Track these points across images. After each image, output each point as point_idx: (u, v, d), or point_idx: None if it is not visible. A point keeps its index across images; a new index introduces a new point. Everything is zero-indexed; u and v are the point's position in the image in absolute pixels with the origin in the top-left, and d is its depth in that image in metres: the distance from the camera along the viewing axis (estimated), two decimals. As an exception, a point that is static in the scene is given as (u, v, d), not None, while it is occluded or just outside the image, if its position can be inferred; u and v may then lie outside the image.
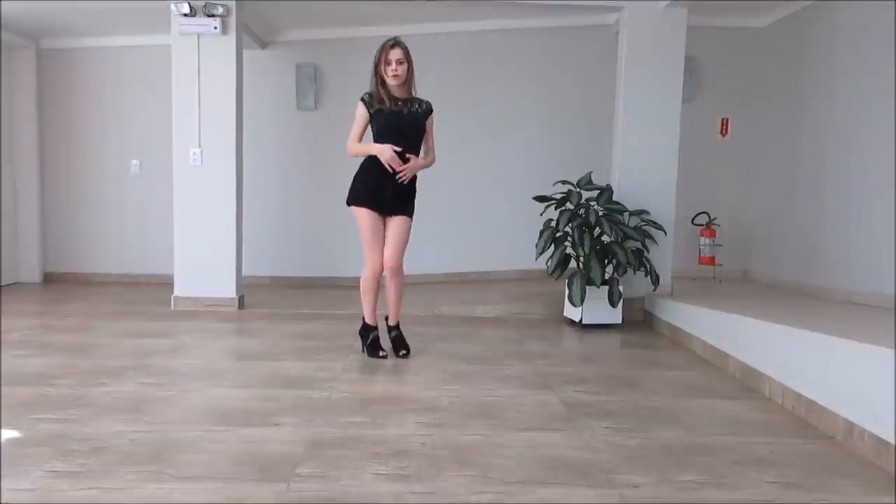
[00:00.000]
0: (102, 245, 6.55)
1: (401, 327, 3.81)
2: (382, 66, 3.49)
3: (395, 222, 3.62)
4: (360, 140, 3.63)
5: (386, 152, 3.48)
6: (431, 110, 3.66)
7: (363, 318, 3.78)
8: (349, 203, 3.64)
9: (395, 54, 3.47)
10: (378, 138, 3.57)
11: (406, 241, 3.66)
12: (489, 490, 2.08)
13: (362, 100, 3.59)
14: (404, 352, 3.74)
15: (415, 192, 3.68)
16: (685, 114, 5.01)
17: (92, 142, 6.49)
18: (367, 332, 3.78)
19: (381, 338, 3.77)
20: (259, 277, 6.19)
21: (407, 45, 3.54)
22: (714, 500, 2.05)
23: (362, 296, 3.73)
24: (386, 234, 3.63)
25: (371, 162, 3.58)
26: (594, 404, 2.96)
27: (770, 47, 6.04)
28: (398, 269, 3.64)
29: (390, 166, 3.49)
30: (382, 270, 3.66)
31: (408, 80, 3.56)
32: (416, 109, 3.59)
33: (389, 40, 3.51)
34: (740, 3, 5.72)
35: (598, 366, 3.69)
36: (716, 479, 2.20)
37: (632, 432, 2.61)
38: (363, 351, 3.77)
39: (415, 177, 3.64)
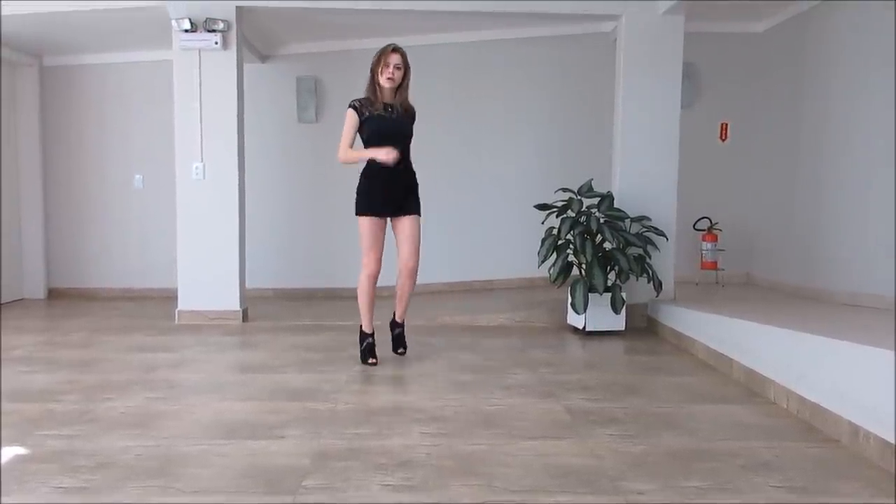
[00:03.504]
0: (106, 260, 6.58)
1: (405, 327, 3.92)
2: (380, 69, 3.57)
3: (406, 223, 3.67)
4: (352, 146, 3.67)
5: (386, 154, 3.51)
6: (415, 116, 3.74)
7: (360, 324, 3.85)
8: (356, 213, 3.69)
9: (394, 59, 3.56)
10: (367, 144, 3.64)
11: (419, 240, 3.72)
12: (495, 499, 2.08)
13: (352, 106, 3.65)
14: (402, 350, 3.87)
15: (417, 185, 3.75)
16: (684, 119, 5.02)
17: (95, 157, 6.52)
18: (363, 338, 3.83)
19: (384, 341, 3.85)
20: (262, 290, 6.20)
21: (406, 55, 3.63)
22: (719, 506, 2.05)
23: (360, 302, 3.77)
24: (398, 237, 3.69)
25: (370, 170, 3.65)
26: (598, 411, 2.96)
27: (768, 52, 6.06)
28: (415, 269, 3.71)
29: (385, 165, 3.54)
30: (378, 274, 3.70)
31: (401, 87, 3.62)
32: (403, 115, 3.66)
33: (390, 45, 3.60)
34: (737, 9, 5.75)
35: (601, 373, 3.70)
36: (721, 484, 2.20)
37: (636, 439, 2.62)
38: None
39: (413, 171, 3.72)
